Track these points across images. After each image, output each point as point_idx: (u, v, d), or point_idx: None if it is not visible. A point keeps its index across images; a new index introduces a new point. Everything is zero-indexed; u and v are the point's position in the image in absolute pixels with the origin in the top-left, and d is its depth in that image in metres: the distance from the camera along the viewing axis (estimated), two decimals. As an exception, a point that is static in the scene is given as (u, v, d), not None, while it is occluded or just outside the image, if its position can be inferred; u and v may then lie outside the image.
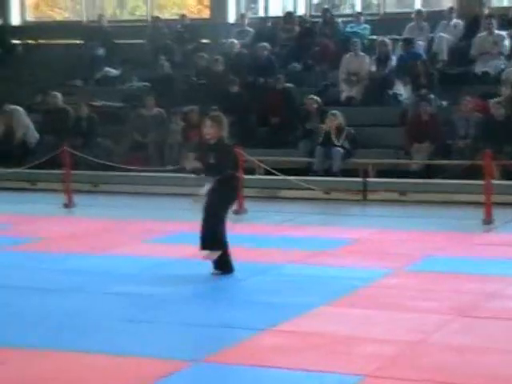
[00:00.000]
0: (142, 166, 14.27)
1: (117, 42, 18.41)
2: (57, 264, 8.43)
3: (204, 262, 7.93)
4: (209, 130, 7.66)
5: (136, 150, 15.34)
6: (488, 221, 10.67)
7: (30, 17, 20.46)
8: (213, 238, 7.61)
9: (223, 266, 7.73)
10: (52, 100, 16.20)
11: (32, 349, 5.61)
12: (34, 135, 16.03)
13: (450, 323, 6.17)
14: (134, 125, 15.66)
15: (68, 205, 12.70)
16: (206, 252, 7.71)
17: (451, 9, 16.37)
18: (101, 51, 18.13)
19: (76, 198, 12.79)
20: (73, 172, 13.13)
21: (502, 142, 13.16)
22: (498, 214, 10.82)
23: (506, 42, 15.50)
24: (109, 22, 19.00)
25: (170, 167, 14.06)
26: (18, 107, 16.17)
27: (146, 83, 16.90)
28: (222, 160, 7.58)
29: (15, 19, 20.09)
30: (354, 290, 7.22)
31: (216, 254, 7.66)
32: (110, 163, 14.18)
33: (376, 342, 5.73)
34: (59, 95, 16.22)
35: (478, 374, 5.03)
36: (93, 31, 18.59)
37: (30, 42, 19.52)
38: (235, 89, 15.49)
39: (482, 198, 10.96)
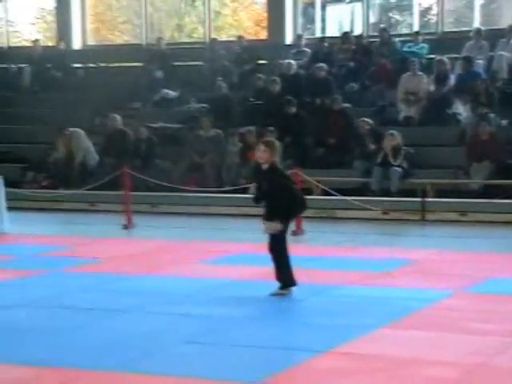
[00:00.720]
0: (199, 187, 14.36)
1: (175, 64, 18.62)
2: (117, 284, 8.51)
3: (263, 283, 7.93)
4: (262, 155, 7.76)
5: (194, 171, 15.44)
6: (550, 241, 10.48)
7: (91, 41, 20.83)
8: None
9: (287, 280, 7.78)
10: (111, 122, 16.43)
11: (97, 370, 5.66)
12: (93, 157, 16.27)
13: (513, 346, 6.07)
14: (191, 146, 15.78)
15: (127, 226, 12.83)
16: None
17: (511, 27, 16.19)
18: (159, 73, 18.34)
19: (135, 219, 12.92)
20: (132, 193, 13.28)
21: None
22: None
23: None
24: (167, 44, 19.24)
25: (227, 188, 14.14)
26: (79, 130, 16.42)
27: (204, 104, 17.03)
28: (276, 193, 7.64)
29: (77, 43, 20.47)
30: (413, 311, 7.14)
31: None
32: (169, 184, 14.30)
33: (437, 364, 5.65)
34: (118, 117, 16.44)
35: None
36: (152, 54, 18.83)
37: (90, 65, 19.86)
38: (293, 109, 15.52)
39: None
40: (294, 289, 7.80)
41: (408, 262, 9.44)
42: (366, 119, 14.79)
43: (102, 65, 19.60)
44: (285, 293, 7.77)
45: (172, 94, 18.04)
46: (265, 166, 7.78)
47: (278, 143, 8.01)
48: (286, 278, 7.78)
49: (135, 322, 7.01)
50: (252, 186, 7.80)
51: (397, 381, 5.33)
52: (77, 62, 19.98)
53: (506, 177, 13.49)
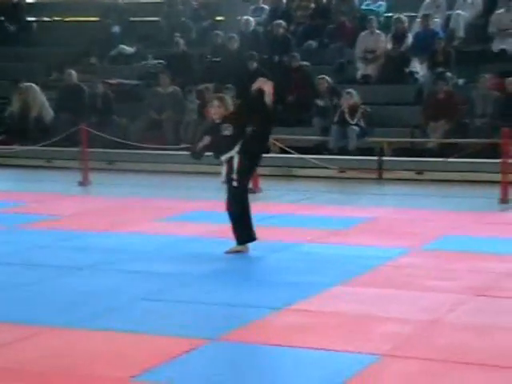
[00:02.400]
0: (157, 144, 14.27)
1: (132, 19, 18.37)
2: (73, 242, 8.46)
3: (220, 241, 7.95)
4: (217, 111, 7.73)
5: (152, 128, 15.33)
6: (505, 200, 10.62)
7: (45, -6, 20.43)
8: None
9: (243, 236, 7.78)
10: (67, 77, 16.19)
11: (48, 326, 5.65)
12: (49, 113, 16.05)
13: (467, 302, 6.16)
14: (149, 103, 15.65)
15: (83, 183, 12.73)
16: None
17: (469, -14, 16.22)
18: (116, 29, 18.10)
19: (91, 176, 12.82)
20: (88, 150, 13.15)
21: (520, 121, 13.07)
22: (514, 193, 10.78)
23: (525, 19, 15.36)
24: (124, -1, 18.96)
25: (185, 145, 14.06)
26: (33, 84, 16.17)
27: (162, 61, 16.86)
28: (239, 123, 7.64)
29: (30, -4, 20.07)
30: (369, 269, 7.22)
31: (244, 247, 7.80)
32: (126, 141, 14.19)
33: (392, 321, 5.73)
34: (74, 73, 16.21)
35: (493, 354, 5.03)
36: (108, 8, 18.55)
37: (44, 19, 19.50)
38: (254, 65, 15.39)
39: (498, 177, 10.91)
40: (250, 246, 7.81)
41: (365, 220, 9.52)
42: (324, 76, 14.76)
43: (57, 18, 19.26)
44: (241, 250, 7.78)
45: (129, 49, 17.82)
46: (218, 121, 7.76)
47: (229, 98, 8.05)
48: (242, 233, 7.77)
49: (91, 279, 6.99)
50: (205, 138, 7.73)
51: (351, 336, 5.39)
52: (31, 16, 19.60)
53: (462, 136, 13.59)
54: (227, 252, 7.77)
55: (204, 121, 14.99)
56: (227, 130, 7.66)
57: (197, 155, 7.94)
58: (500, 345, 5.22)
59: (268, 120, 7.85)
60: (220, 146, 7.73)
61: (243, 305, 6.16)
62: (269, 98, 7.71)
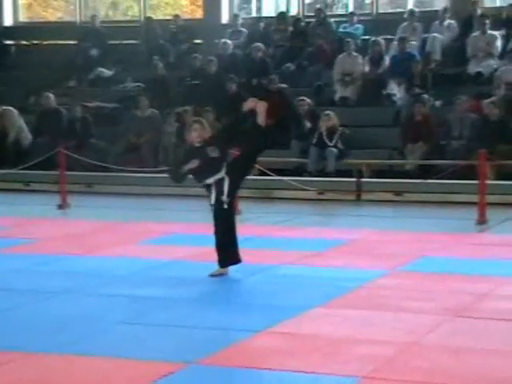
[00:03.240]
0: (136, 167, 14.26)
1: (110, 42, 18.40)
2: (51, 266, 8.42)
3: (200, 264, 7.93)
4: (199, 133, 7.73)
5: (130, 151, 15.33)
6: (482, 221, 10.69)
7: (23, 17, 20.41)
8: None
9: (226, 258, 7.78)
10: (45, 101, 16.17)
11: (25, 352, 5.60)
12: (27, 136, 16.02)
13: (445, 324, 6.18)
14: (128, 126, 15.65)
15: (62, 206, 12.69)
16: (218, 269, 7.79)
17: (445, 9, 16.39)
18: (94, 52, 18.12)
19: (70, 200, 12.78)
20: (67, 173, 13.12)
21: (496, 142, 13.19)
22: (492, 214, 10.85)
23: (499, 43, 15.54)
24: (102, 22, 18.99)
25: (164, 168, 14.05)
26: (11, 108, 16.14)
27: (140, 84, 16.89)
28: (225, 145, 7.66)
29: (8, 20, 20.03)
30: (349, 291, 7.22)
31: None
32: (105, 164, 14.17)
33: (371, 343, 5.73)
34: (52, 96, 16.20)
35: (472, 376, 5.04)
36: (86, 32, 18.57)
37: (22, 42, 19.49)
38: (233, 87, 15.43)
39: (476, 198, 10.98)
40: (230, 269, 7.81)
41: (343, 242, 9.54)
42: (305, 98, 14.83)
43: (35, 42, 19.25)
44: (223, 272, 7.77)
45: (107, 72, 17.85)
46: (198, 144, 7.74)
47: (206, 121, 8.10)
48: (226, 255, 7.75)
49: (70, 304, 6.95)
50: (193, 161, 7.70)
51: (330, 359, 5.39)
52: (8, 39, 19.59)
53: (440, 157, 13.70)
54: (212, 275, 7.74)
55: (183, 144, 15.03)
56: (213, 152, 7.64)
57: (179, 178, 7.90)
58: (478, 367, 5.23)
59: (258, 141, 7.84)
60: (207, 169, 7.69)
61: (222, 328, 6.14)
62: (261, 118, 7.71)
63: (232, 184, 7.66)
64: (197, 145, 7.76)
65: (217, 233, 7.73)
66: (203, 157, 7.65)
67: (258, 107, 7.76)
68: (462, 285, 7.40)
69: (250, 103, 7.85)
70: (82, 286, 7.51)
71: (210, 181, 7.67)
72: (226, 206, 7.64)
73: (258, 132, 7.76)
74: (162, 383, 4.99)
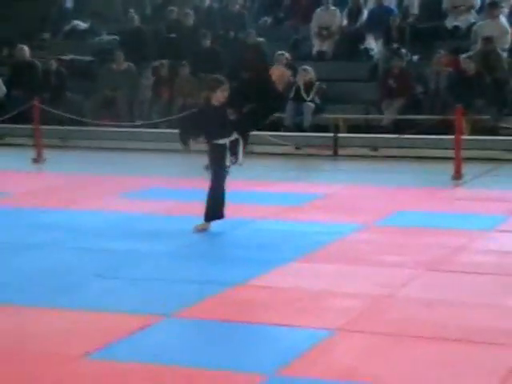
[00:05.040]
0: (111, 121, 14.18)
1: (85, -6, 18.19)
2: (28, 219, 8.39)
3: (176, 218, 7.93)
4: (225, 95, 7.58)
5: (106, 105, 15.22)
6: (457, 176, 10.75)
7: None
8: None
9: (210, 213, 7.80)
10: (19, 53, 15.98)
11: (8, 305, 5.61)
12: (1, 88, 15.84)
13: (419, 277, 6.25)
14: (103, 80, 15.52)
15: (37, 160, 12.62)
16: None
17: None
18: (69, 3, 17.90)
19: (45, 154, 12.70)
20: (42, 127, 13.02)
21: (473, 98, 13.22)
22: (467, 169, 10.92)
23: (476, -4, 15.52)
24: (78, -27, 18.73)
25: (139, 122, 14.02)
26: (-16, 60, 15.96)
27: (116, 37, 16.72)
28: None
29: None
30: (324, 245, 7.27)
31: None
32: (80, 118, 14.07)
33: (345, 296, 5.79)
34: (26, 48, 16.00)
35: (446, 327, 5.11)
36: (61, -17, 18.32)
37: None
38: (207, 43, 15.36)
39: (452, 153, 11.04)
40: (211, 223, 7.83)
41: (319, 196, 9.58)
42: (284, 53, 14.75)
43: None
44: (206, 227, 7.77)
45: (83, 25, 17.64)
46: (217, 104, 7.59)
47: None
48: (214, 211, 7.75)
49: (45, 257, 6.94)
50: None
51: (305, 312, 5.44)
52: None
53: (417, 112, 13.72)
54: (196, 229, 7.72)
55: (159, 98, 14.94)
56: (232, 115, 7.58)
57: (188, 141, 7.71)
58: (450, 318, 5.31)
59: (273, 103, 7.79)
60: (222, 130, 7.60)
61: (199, 281, 6.17)
62: (279, 84, 7.63)
63: (244, 145, 7.66)
64: (215, 104, 7.62)
65: (213, 189, 7.71)
66: (220, 117, 7.56)
67: (279, 75, 7.69)
68: (436, 239, 7.46)
69: (276, 71, 7.74)
70: (58, 239, 7.51)
71: (225, 141, 7.63)
72: (241, 166, 7.67)
73: (274, 94, 7.70)
74: (139, 336, 5.02)
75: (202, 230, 7.73)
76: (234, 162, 7.70)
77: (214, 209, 7.73)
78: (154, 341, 4.95)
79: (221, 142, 7.62)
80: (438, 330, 5.06)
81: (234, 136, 7.63)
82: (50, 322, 5.28)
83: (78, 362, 4.61)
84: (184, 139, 7.72)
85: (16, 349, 4.83)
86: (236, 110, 7.61)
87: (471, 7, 15.36)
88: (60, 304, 5.61)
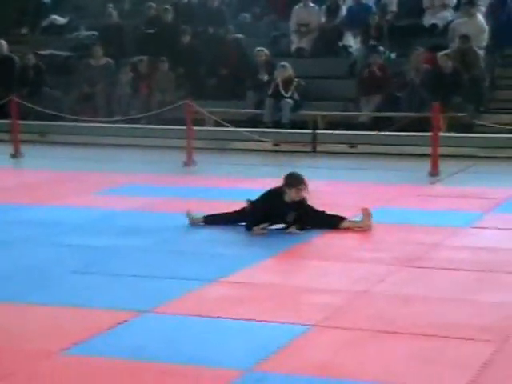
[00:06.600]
0: (90, 117, 14.14)
1: (64, -11, 18.10)
2: (5, 215, 8.35)
3: (152, 214, 7.92)
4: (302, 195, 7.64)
5: (84, 101, 15.18)
6: (434, 173, 10.82)
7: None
8: None
9: None
10: (-3, 48, 15.89)
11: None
12: (-22, 84, 15.74)
13: (395, 273, 6.29)
14: (82, 75, 15.46)
15: (15, 155, 12.56)
16: None
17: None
18: (47, -2, 17.82)
19: (23, 149, 12.65)
20: (20, 122, 12.96)
21: (450, 95, 13.30)
22: (444, 166, 10.98)
23: (453, -6, 15.59)
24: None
25: (118, 118, 13.99)
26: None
27: (95, 32, 16.66)
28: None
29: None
30: (302, 241, 7.30)
31: None
32: (58, 113, 14.02)
33: (323, 292, 5.82)
34: (4, 43, 15.91)
35: (421, 323, 5.16)
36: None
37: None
38: (186, 39, 15.34)
39: (429, 150, 11.10)
40: (184, 219, 7.83)
41: (298, 192, 9.57)
42: (263, 49, 14.77)
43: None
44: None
45: (61, 20, 17.56)
46: (289, 201, 7.61)
47: None
48: None
49: (23, 253, 6.92)
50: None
51: (282, 308, 5.47)
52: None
53: (394, 109, 13.78)
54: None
55: (137, 94, 14.90)
56: (292, 217, 7.60)
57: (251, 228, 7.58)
58: (426, 314, 5.35)
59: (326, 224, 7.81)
60: (281, 222, 7.65)
61: (176, 277, 6.18)
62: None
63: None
64: (287, 200, 7.62)
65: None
66: (286, 214, 7.60)
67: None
68: (412, 235, 7.51)
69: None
70: (36, 235, 7.49)
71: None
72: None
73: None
74: (117, 331, 5.02)
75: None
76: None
77: None
78: (131, 337, 4.95)
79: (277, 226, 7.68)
80: (413, 326, 5.10)
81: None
82: (26, 319, 5.27)
83: (54, 357, 4.61)
84: (250, 227, 7.62)
85: (-8, 345, 4.82)
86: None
87: (448, 5, 15.42)
88: (36, 300, 5.60)
